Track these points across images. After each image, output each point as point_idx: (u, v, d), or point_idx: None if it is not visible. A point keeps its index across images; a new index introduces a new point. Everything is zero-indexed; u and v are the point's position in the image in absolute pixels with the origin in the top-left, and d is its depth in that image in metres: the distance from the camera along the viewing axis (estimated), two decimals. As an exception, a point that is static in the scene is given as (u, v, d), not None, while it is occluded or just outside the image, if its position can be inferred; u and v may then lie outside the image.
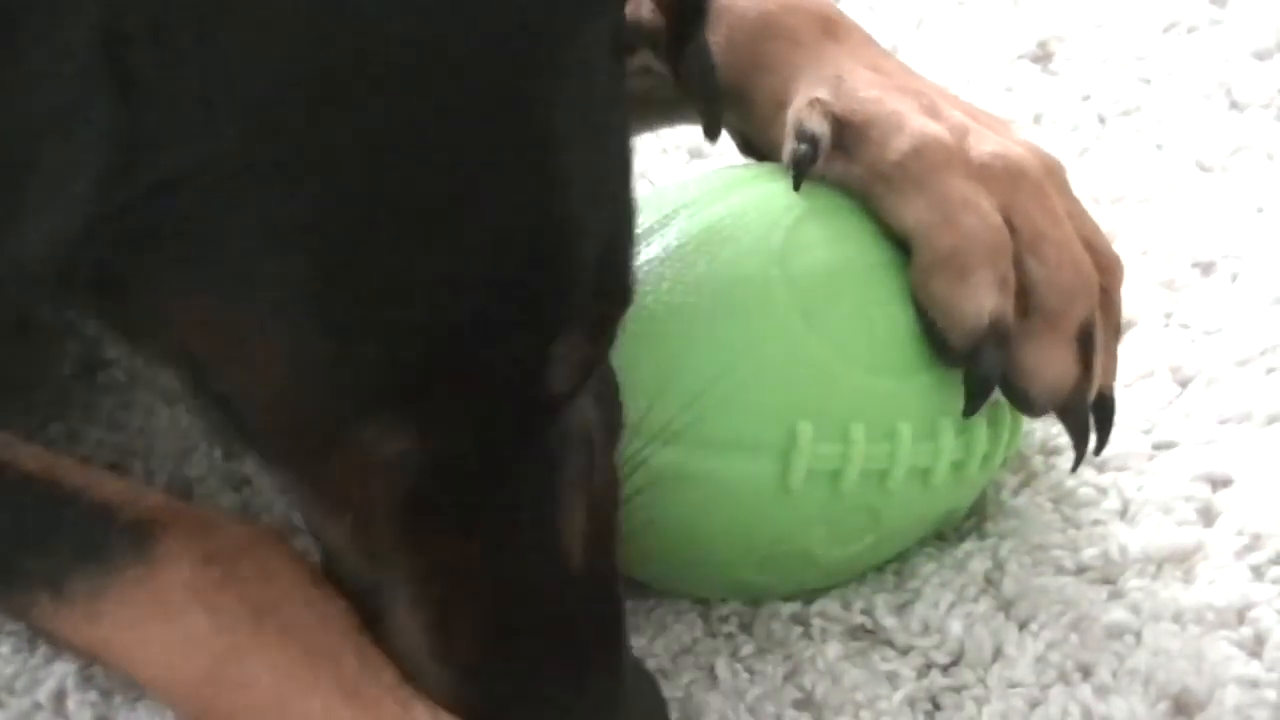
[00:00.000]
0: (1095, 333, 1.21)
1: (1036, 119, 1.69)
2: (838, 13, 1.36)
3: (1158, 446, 1.35)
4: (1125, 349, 1.38)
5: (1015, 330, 1.18)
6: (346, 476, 1.03)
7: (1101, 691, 1.15)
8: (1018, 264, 1.18)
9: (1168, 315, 1.47)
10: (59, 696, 1.21)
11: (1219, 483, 1.32)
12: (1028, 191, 1.22)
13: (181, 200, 0.91)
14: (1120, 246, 1.46)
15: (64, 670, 1.22)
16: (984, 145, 1.25)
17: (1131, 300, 1.42)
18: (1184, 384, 1.40)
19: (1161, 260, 1.52)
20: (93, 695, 1.21)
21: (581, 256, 0.98)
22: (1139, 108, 1.72)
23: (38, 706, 1.21)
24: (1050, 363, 1.20)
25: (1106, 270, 1.25)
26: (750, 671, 1.19)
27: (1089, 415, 1.22)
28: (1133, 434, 1.35)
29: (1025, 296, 1.19)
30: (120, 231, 0.92)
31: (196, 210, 0.92)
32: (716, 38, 1.29)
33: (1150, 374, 1.40)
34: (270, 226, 0.92)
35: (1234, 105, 1.73)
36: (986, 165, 1.22)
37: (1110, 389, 1.24)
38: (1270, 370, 1.40)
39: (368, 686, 1.13)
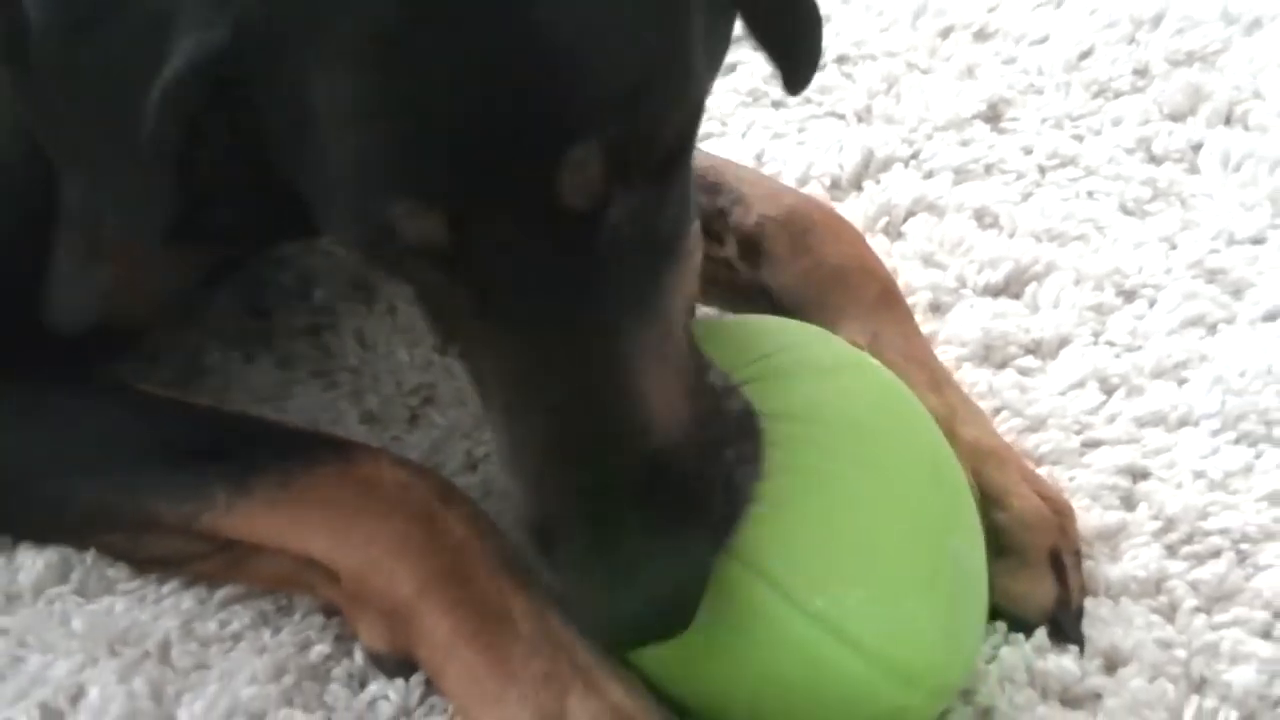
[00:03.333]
0: (1063, 557, 1.30)
1: (988, 169, 1.78)
2: (895, 288, 1.50)
3: (1087, 444, 1.44)
4: (1061, 361, 1.53)
5: (997, 569, 1.26)
6: (402, 264, 1.13)
7: (1040, 650, 1.25)
8: (986, 514, 1.26)
9: (1096, 334, 1.56)
10: (164, 646, 1.28)
11: (1138, 475, 1.41)
12: (994, 463, 1.32)
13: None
14: (1057, 276, 1.62)
15: (169, 625, 1.29)
16: (967, 428, 1.35)
17: (1065, 321, 1.56)
18: (1109, 392, 1.48)
19: (1091, 288, 1.61)
20: (193, 646, 1.29)
21: (589, 81, 1.05)
22: (1073, 160, 1.79)
23: (146, 655, 1.28)
24: (1033, 588, 1.29)
25: (1061, 512, 1.33)
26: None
27: (1079, 622, 1.29)
28: (1066, 434, 1.45)
29: (998, 538, 1.28)
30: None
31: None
32: (799, 268, 1.46)
33: (1081, 384, 1.49)
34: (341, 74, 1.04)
35: (1152, 159, 1.81)
36: (968, 442, 1.32)
37: (1080, 602, 1.32)
38: (1182, 381, 1.49)
39: (485, 605, 1.23)
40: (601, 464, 1.11)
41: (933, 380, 1.38)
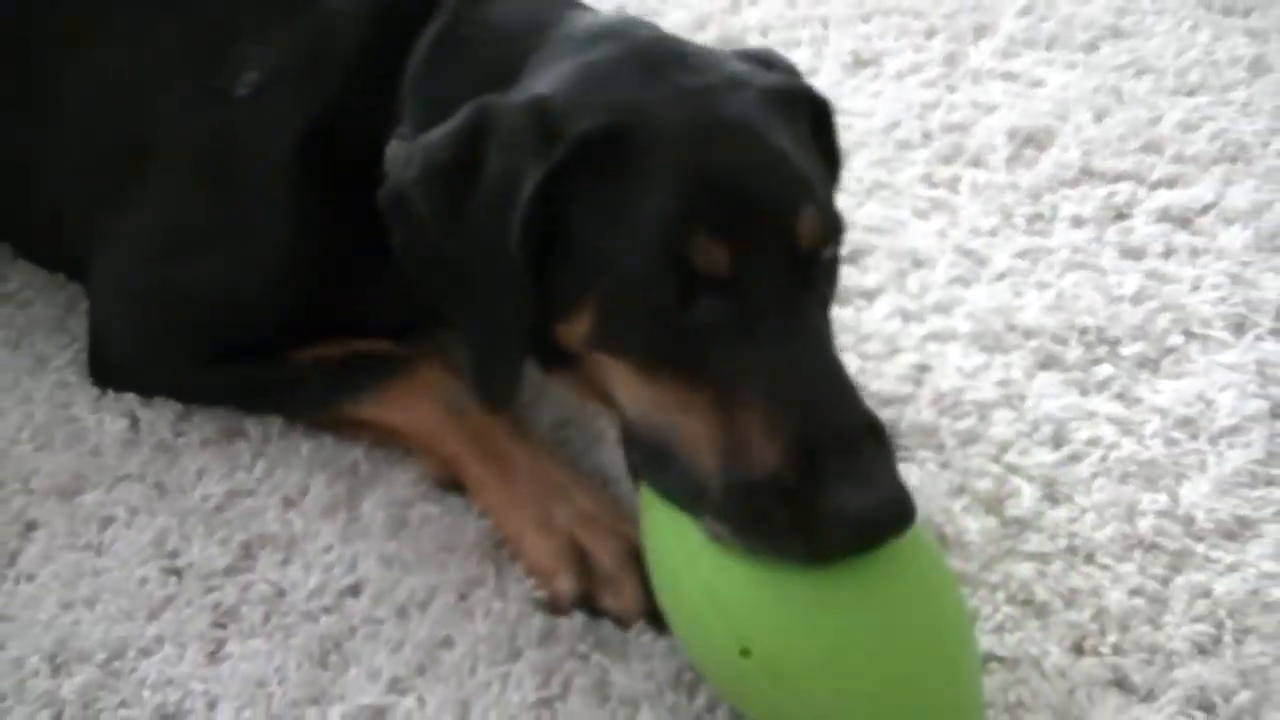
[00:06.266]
0: None
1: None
2: None
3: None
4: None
5: None
6: (682, 295, 1.33)
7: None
8: None
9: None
10: (354, 464, 1.67)
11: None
12: None
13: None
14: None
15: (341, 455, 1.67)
16: None
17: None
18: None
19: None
20: (367, 464, 1.68)
21: (805, 175, 1.38)
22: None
23: (340, 472, 1.67)
24: None
25: None
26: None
27: None
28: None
29: None
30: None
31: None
32: None
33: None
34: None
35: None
36: None
37: None
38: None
39: (499, 455, 1.60)
40: (845, 412, 1.31)
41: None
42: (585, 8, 1.62)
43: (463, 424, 1.64)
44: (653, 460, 1.39)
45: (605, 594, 1.51)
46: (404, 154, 1.50)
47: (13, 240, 2.04)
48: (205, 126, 1.71)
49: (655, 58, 1.44)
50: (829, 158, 1.55)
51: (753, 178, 1.35)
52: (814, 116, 1.52)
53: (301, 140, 1.66)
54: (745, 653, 1.27)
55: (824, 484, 1.25)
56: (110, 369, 1.80)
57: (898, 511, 1.26)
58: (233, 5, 1.76)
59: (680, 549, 1.36)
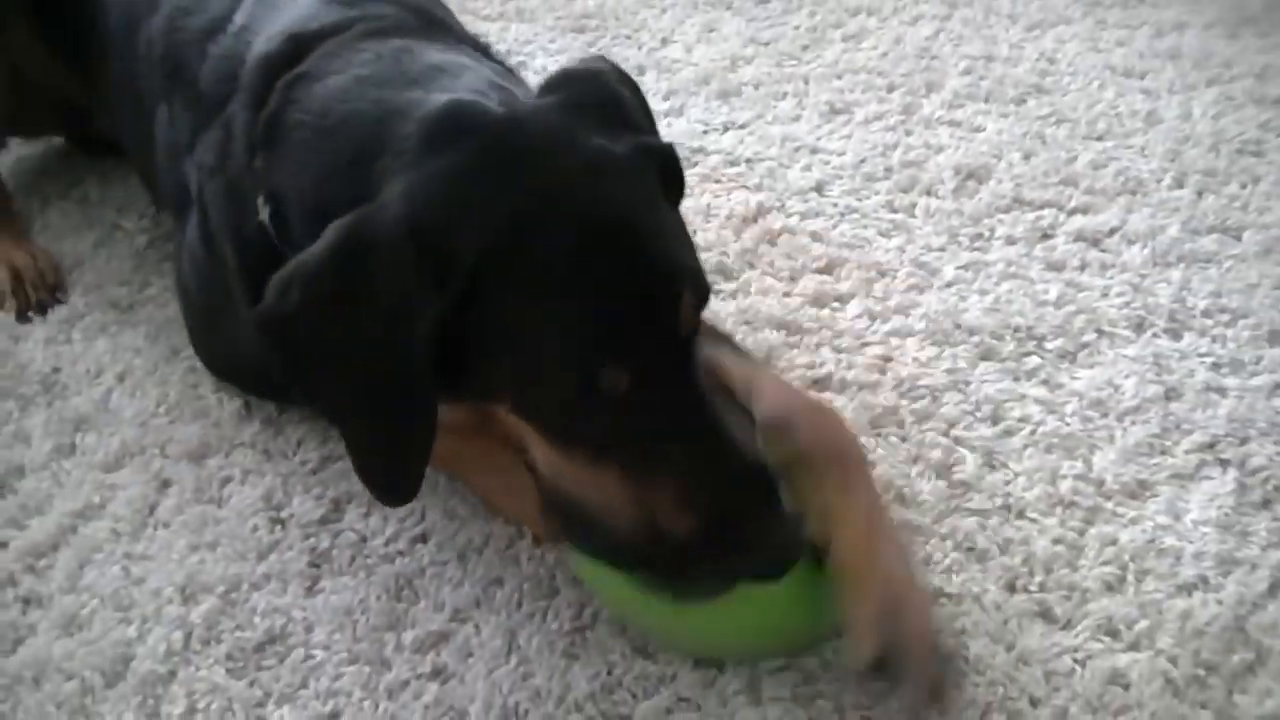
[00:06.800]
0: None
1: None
2: (856, 464, 1.42)
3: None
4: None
5: None
6: (585, 409, 1.20)
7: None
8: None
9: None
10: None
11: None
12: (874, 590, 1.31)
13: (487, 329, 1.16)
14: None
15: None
16: (879, 562, 1.31)
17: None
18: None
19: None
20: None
21: (682, 265, 1.22)
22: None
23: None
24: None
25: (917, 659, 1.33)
26: None
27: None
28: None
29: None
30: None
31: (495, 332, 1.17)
32: (781, 453, 1.35)
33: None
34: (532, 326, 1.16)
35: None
36: (877, 579, 1.30)
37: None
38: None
39: (495, 467, 1.48)
40: (738, 466, 1.22)
41: (866, 530, 1.34)
42: (415, 85, 1.34)
43: (473, 448, 1.53)
44: (573, 521, 1.30)
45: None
46: (278, 279, 1.24)
47: None
48: (197, 195, 1.62)
49: (508, 151, 1.20)
50: (677, 185, 1.36)
51: (643, 290, 1.18)
52: (661, 160, 1.31)
53: (220, 222, 1.54)
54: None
55: (731, 545, 1.21)
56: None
57: (790, 553, 1.23)
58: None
59: None
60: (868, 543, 1.33)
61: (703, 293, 1.24)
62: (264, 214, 1.41)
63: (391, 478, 1.27)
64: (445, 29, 1.55)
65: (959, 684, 1.36)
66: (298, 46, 1.47)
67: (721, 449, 1.22)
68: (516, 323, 1.17)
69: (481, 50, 1.54)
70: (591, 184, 1.18)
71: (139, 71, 1.77)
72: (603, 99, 1.29)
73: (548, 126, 1.23)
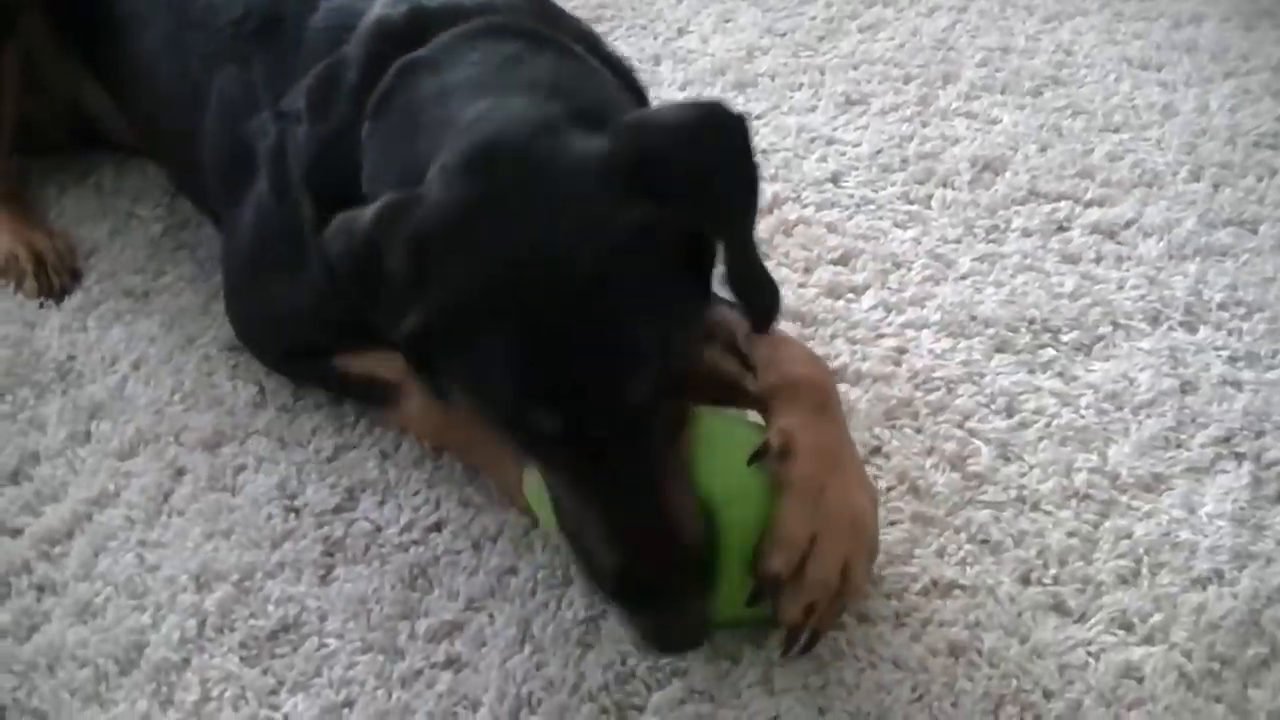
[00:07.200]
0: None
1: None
2: (830, 399, 1.45)
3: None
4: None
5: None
6: (533, 443, 1.27)
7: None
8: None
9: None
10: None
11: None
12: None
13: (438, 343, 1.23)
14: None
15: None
16: (828, 492, 1.34)
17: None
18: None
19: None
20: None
21: (638, 349, 1.20)
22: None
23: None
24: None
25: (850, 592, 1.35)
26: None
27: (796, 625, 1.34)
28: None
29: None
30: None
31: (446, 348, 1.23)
32: (767, 381, 1.44)
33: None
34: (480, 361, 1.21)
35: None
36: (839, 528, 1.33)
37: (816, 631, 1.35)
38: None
39: (472, 440, 1.54)
40: (659, 545, 1.24)
41: (832, 461, 1.37)
42: (502, 92, 1.36)
43: (437, 429, 1.61)
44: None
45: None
46: (336, 224, 1.34)
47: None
48: (272, 137, 1.64)
49: (521, 201, 1.22)
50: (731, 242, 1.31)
51: (581, 362, 1.20)
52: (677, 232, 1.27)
53: (307, 161, 1.56)
54: None
55: (636, 602, 1.26)
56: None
57: (687, 639, 1.28)
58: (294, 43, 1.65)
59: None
60: (817, 465, 1.36)
61: (656, 374, 1.23)
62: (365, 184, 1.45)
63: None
64: (557, 24, 1.56)
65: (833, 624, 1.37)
66: (418, 22, 1.50)
67: (648, 519, 1.24)
68: (465, 362, 1.24)
69: (591, 47, 1.55)
70: (570, 260, 1.19)
71: (188, 40, 1.80)
72: (650, 158, 1.24)
73: (558, 190, 1.23)
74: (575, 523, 1.29)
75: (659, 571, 1.24)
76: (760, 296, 1.33)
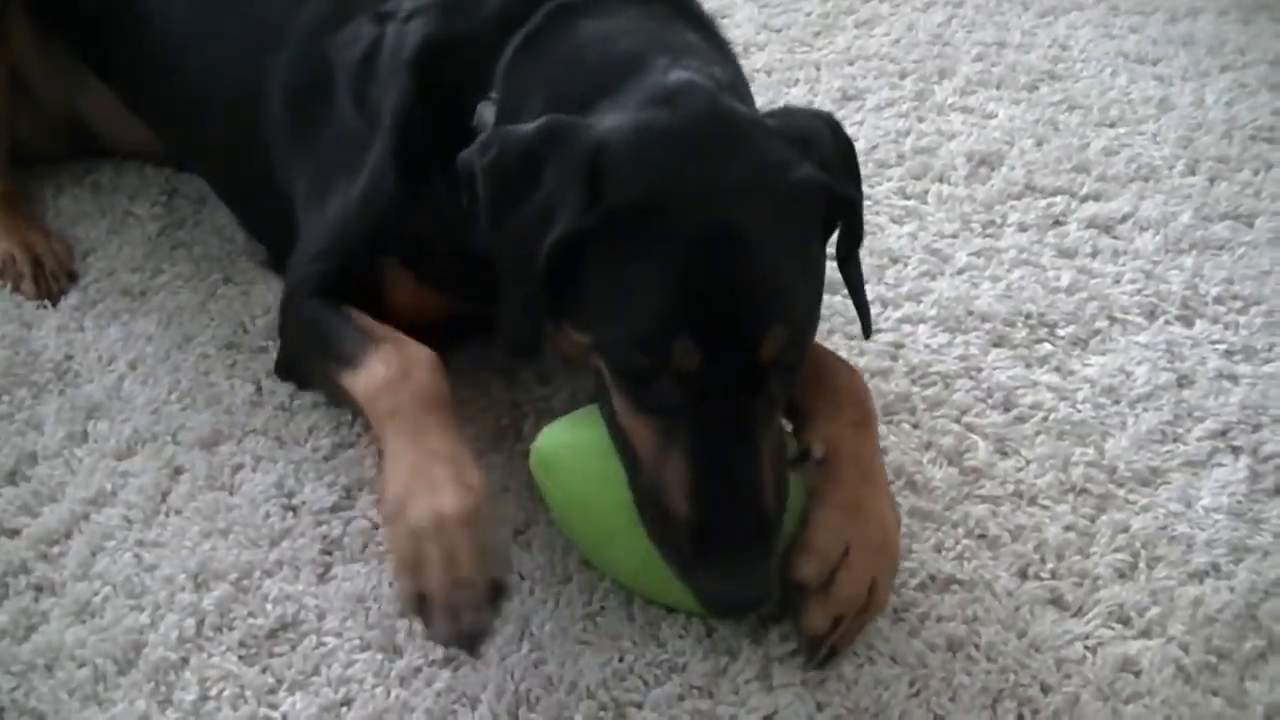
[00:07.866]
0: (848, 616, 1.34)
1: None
2: (869, 414, 1.44)
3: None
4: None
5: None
6: (649, 378, 1.27)
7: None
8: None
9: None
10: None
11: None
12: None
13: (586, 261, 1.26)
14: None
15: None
16: (866, 503, 1.36)
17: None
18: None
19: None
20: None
21: (783, 302, 1.26)
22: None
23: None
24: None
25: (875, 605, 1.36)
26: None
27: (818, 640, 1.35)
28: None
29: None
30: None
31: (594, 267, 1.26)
32: (808, 396, 1.43)
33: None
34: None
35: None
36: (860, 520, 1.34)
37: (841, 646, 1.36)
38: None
39: (426, 440, 1.41)
40: (744, 507, 1.26)
41: (870, 476, 1.39)
42: (669, 50, 1.43)
43: (406, 410, 1.46)
44: (617, 440, 1.37)
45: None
46: (487, 136, 1.38)
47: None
48: (365, 40, 1.65)
49: (705, 136, 1.30)
50: (851, 235, 1.41)
51: (738, 295, 1.25)
52: (835, 205, 1.37)
53: (419, 46, 1.57)
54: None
55: (702, 557, 1.26)
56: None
57: (753, 601, 1.29)
58: None
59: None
60: (856, 478, 1.38)
61: (797, 335, 1.29)
62: (487, 111, 1.49)
63: (527, 333, 1.36)
64: (687, 10, 1.62)
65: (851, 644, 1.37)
66: None
67: (737, 490, 1.26)
68: (619, 273, 1.26)
69: (709, 31, 1.63)
70: (751, 197, 1.26)
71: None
72: (807, 136, 1.35)
73: (738, 135, 1.31)
74: (655, 470, 1.29)
75: (739, 531, 1.25)
76: (865, 297, 1.45)
